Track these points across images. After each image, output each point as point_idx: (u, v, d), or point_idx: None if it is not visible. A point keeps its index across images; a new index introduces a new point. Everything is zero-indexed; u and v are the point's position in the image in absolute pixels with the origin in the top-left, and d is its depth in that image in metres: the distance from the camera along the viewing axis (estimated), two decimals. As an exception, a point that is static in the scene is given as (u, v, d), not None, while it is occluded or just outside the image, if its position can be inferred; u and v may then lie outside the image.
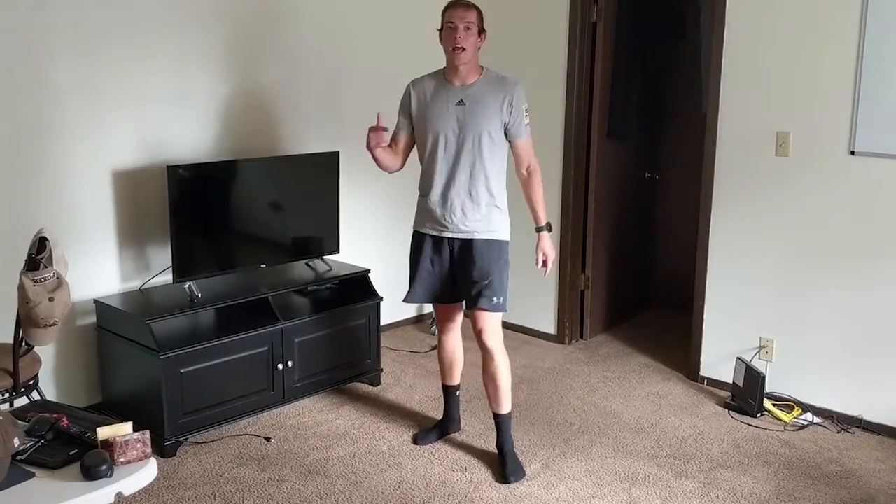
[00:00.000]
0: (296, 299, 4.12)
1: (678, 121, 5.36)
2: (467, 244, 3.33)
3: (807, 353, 3.92)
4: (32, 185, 3.49)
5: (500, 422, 3.47)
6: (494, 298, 3.31)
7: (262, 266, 4.03)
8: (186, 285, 3.69)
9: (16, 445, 2.15)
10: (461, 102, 3.27)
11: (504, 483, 3.30)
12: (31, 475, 2.16)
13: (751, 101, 3.96)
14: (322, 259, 4.28)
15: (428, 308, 5.17)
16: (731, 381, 4.10)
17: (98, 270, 3.71)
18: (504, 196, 3.36)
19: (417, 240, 3.46)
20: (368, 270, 4.25)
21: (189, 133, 3.92)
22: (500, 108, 3.25)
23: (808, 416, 3.86)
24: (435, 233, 3.38)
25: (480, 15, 3.28)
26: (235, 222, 3.99)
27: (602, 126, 4.71)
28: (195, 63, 3.90)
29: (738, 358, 4.07)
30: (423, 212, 3.43)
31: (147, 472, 2.24)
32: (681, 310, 4.69)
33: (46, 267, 2.69)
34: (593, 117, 4.65)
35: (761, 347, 4.05)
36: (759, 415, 3.88)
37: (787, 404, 3.93)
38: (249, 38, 4.09)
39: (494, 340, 3.37)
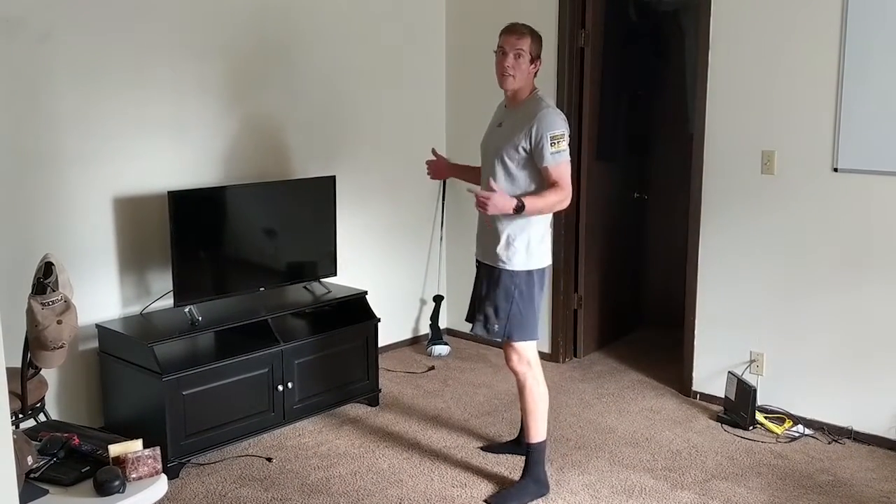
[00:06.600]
0: (295, 322, 4.17)
1: (665, 142, 5.46)
2: (479, 267, 3.37)
3: (797, 365, 3.99)
4: (36, 213, 3.55)
5: (526, 450, 3.36)
6: (488, 325, 3.26)
7: (261, 289, 4.08)
8: (187, 309, 3.74)
9: (29, 464, 2.20)
10: (501, 125, 3.26)
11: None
12: (45, 492, 2.20)
13: (736, 122, 4.05)
14: (320, 282, 4.34)
15: (424, 329, 5.22)
16: (723, 395, 4.17)
17: (99, 295, 3.76)
18: (521, 226, 3.20)
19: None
20: (366, 292, 4.31)
21: (188, 160, 3.99)
22: (522, 133, 3.12)
23: (800, 427, 3.93)
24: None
25: (536, 41, 3.17)
26: (235, 247, 4.05)
27: (591, 148, 4.80)
28: (194, 92, 3.98)
29: (729, 372, 4.14)
30: None
31: (158, 488, 2.29)
32: (672, 327, 4.77)
33: (54, 291, 2.72)
34: (582, 139, 4.73)
35: (752, 361, 4.12)
36: (751, 427, 3.94)
37: (779, 416, 4.00)
38: (247, 68, 4.17)
39: (518, 367, 3.30)
